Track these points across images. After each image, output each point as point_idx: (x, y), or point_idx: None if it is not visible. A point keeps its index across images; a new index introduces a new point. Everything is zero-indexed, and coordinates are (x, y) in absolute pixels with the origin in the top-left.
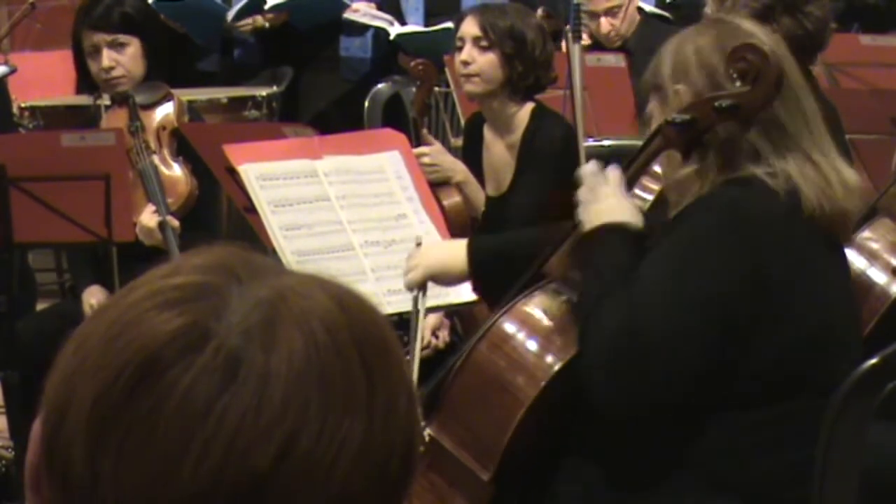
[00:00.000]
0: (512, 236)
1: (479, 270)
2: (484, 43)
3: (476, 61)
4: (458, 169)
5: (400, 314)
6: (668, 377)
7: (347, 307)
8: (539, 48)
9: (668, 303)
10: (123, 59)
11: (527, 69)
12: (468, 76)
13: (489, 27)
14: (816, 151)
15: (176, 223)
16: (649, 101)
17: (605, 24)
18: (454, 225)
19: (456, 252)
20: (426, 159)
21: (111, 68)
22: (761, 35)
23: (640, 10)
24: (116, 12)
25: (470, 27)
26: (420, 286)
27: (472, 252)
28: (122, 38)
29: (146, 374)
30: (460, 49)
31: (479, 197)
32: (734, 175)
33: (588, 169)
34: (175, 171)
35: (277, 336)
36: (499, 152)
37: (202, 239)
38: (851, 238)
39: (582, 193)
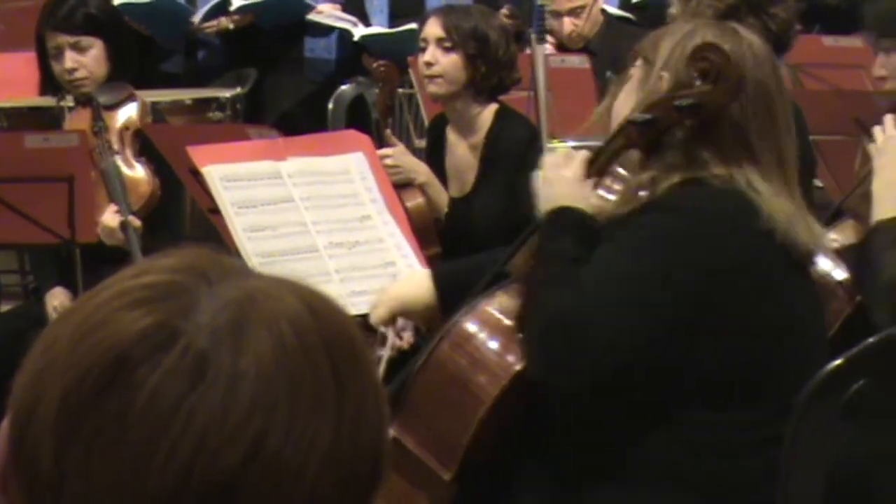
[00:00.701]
0: (475, 260)
1: (448, 298)
2: (447, 44)
3: (439, 62)
4: (421, 170)
5: (363, 316)
6: (607, 362)
7: (317, 310)
8: (502, 49)
9: (617, 296)
10: (86, 60)
11: (490, 70)
12: (432, 77)
13: (452, 28)
14: (782, 185)
15: (138, 223)
16: (633, 66)
17: (567, 24)
18: (417, 226)
19: (419, 283)
20: (389, 161)
21: (74, 70)
22: (762, 51)
23: (603, 11)
24: (80, 13)
25: (433, 28)
26: (387, 322)
27: (438, 281)
28: (84, 40)
29: (114, 374)
30: (424, 50)
31: (442, 198)
32: (692, 175)
33: (554, 154)
34: (138, 171)
35: (246, 337)
36: (462, 153)
37: (165, 240)
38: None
39: (542, 178)
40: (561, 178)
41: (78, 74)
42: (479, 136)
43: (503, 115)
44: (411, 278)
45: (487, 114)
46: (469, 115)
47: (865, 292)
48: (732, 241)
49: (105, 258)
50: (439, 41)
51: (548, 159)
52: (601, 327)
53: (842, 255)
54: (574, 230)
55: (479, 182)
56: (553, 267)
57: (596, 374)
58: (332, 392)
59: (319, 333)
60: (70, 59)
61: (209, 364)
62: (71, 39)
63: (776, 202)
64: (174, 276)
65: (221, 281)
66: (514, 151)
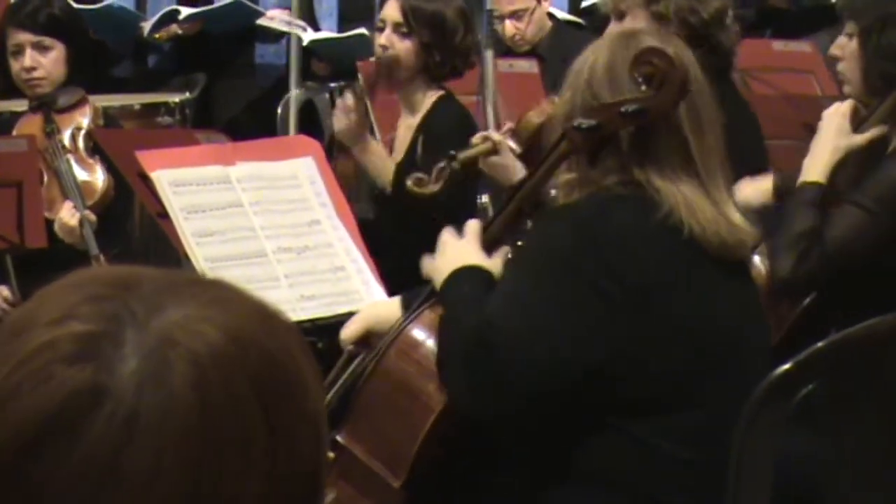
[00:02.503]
0: None
1: None
2: (404, 29)
3: (395, 47)
4: (373, 145)
5: (313, 320)
6: (521, 383)
7: (242, 340)
8: (460, 36)
9: (519, 312)
10: (45, 61)
11: (444, 58)
12: (384, 59)
13: (411, 13)
14: (697, 181)
15: (93, 218)
16: None
17: (509, 26)
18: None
19: (390, 303)
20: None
21: (32, 68)
22: (690, 54)
23: (552, 16)
24: (44, 13)
25: (392, 11)
26: (356, 341)
27: (405, 302)
28: (46, 40)
29: (42, 440)
30: (381, 30)
31: (385, 165)
32: (624, 179)
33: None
34: (93, 169)
35: (170, 387)
36: (401, 131)
37: (118, 245)
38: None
39: (439, 257)
40: (457, 247)
41: (36, 74)
42: (418, 117)
43: (445, 100)
44: (384, 301)
45: (431, 97)
46: (416, 97)
47: (775, 240)
48: (639, 248)
49: (38, 264)
50: (397, 26)
51: (442, 244)
52: (511, 349)
53: (761, 214)
54: (473, 278)
55: (408, 154)
56: (459, 311)
57: (518, 393)
58: (262, 435)
59: (245, 369)
60: (30, 57)
61: (137, 423)
62: (33, 38)
63: (676, 198)
64: (97, 323)
65: (144, 316)
66: (448, 128)
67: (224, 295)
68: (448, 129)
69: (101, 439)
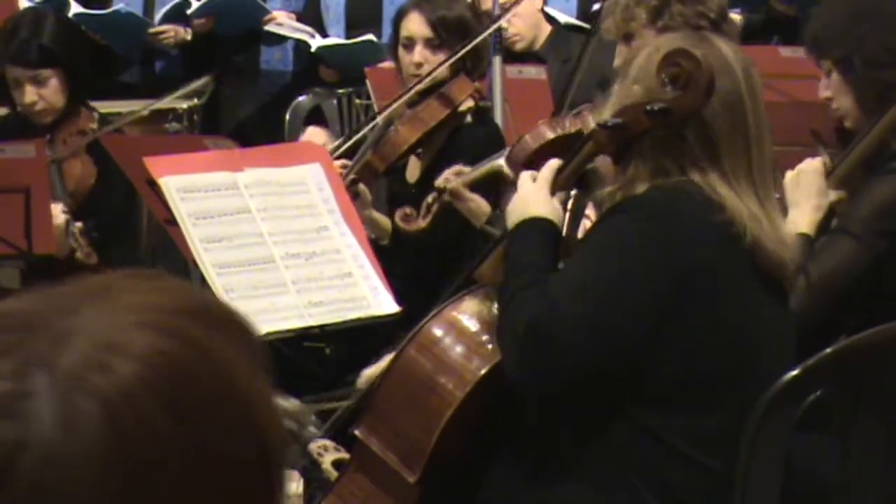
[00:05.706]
0: None
1: None
2: (436, 42)
3: (429, 62)
4: None
5: (321, 326)
6: (579, 367)
7: (155, 366)
8: (479, 35)
9: (584, 298)
10: (46, 92)
11: (475, 64)
12: (420, 76)
13: (439, 23)
14: (754, 192)
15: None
16: (613, 84)
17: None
18: None
19: None
20: None
21: (34, 103)
22: (734, 57)
23: (552, 20)
24: (34, 46)
25: (419, 27)
26: None
27: None
28: (43, 73)
29: None
30: (407, 47)
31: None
32: (664, 181)
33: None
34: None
35: (83, 429)
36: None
37: (125, 250)
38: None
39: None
40: (530, 191)
41: (38, 107)
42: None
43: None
44: None
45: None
46: None
47: None
48: (695, 243)
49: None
50: (427, 41)
51: (521, 178)
52: (573, 334)
53: None
54: (542, 239)
55: (425, 174)
56: (523, 276)
57: (568, 378)
58: (183, 453)
59: (160, 397)
60: (30, 92)
61: (59, 467)
62: (29, 73)
63: (740, 207)
64: (8, 381)
65: (50, 354)
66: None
67: (136, 301)
68: (475, 146)
69: (29, 488)
